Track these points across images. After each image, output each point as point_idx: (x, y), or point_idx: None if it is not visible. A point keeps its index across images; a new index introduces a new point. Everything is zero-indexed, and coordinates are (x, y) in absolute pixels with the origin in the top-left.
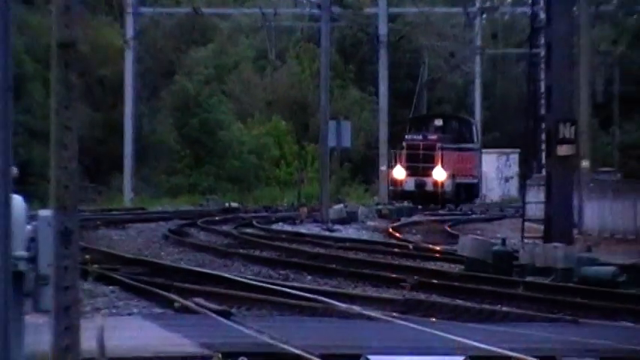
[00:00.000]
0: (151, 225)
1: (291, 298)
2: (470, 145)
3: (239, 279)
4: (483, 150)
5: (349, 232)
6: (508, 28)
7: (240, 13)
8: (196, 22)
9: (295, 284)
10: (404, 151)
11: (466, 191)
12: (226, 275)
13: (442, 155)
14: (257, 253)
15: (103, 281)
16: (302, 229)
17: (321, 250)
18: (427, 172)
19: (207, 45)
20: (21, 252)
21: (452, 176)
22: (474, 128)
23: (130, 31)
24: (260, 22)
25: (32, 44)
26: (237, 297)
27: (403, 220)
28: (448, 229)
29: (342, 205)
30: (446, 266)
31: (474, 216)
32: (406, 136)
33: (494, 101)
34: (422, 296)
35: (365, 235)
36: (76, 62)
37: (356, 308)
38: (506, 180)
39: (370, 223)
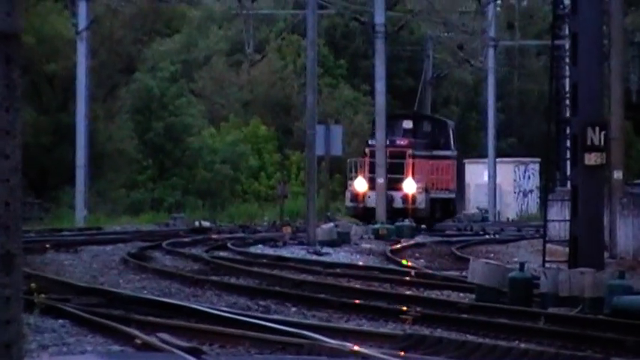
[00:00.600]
0: (108, 248)
1: (272, 334)
2: (446, 153)
3: (211, 311)
4: (498, 159)
5: (340, 255)
6: (526, 16)
7: None
8: (160, 10)
9: (277, 317)
10: (367, 159)
11: (442, 208)
12: (196, 307)
13: (414, 164)
14: (232, 280)
15: (51, 314)
16: (285, 253)
17: (308, 277)
18: (395, 184)
19: (174, 36)
20: None
21: (425, 190)
22: (450, 132)
23: (82, 21)
24: (236, 9)
25: None
26: (209, 332)
27: (404, 241)
28: (456, 252)
29: (332, 224)
30: (454, 296)
31: (486, 237)
32: (369, 141)
33: (510, 101)
34: (426, 331)
35: (359, 260)
36: (20, 57)
37: (349, 345)
38: (525, 194)
39: (365, 245)
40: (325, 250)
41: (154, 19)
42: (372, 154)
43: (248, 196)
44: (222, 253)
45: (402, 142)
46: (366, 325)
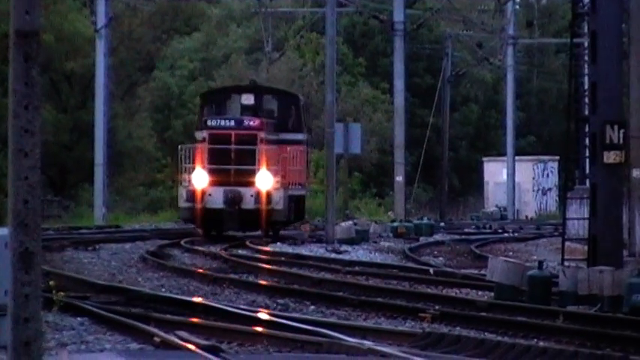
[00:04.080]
0: (127, 246)
1: (291, 332)
2: (297, 136)
3: (230, 309)
4: (517, 157)
5: (359, 254)
6: (545, 14)
7: None
8: (180, 8)
9: (296, 315)
10: (205, 145)
11: (296, 207)
12: (215, 305)
13: (267, 152)
14: (251, 278)
15: (70, 312)
16: (304, 251)
17: (327, 276)
18: (245, 178)
19: (193, 34)
20: None
21: (284, 185)
22: (301, 110)
23: (101, 19)
24: (254, 7)
25: None
26: (227, 330)
27: (422, 239)
28: (475, 250)
29: (350, 223)
30: (472, 294)
31: (505, 235)
32: (208, 121)
33: (529, 100)
34: (444, 329)
35: (378, 258)
36: (38, 54)
37: (367, 343)
38: (544, 192)
39: (384, 243)
40: (344, 248)
41: (174, 17)
42: (214, 139)
43: None
44: (240, 251)
45: (251, 123)
46: (385, 324)
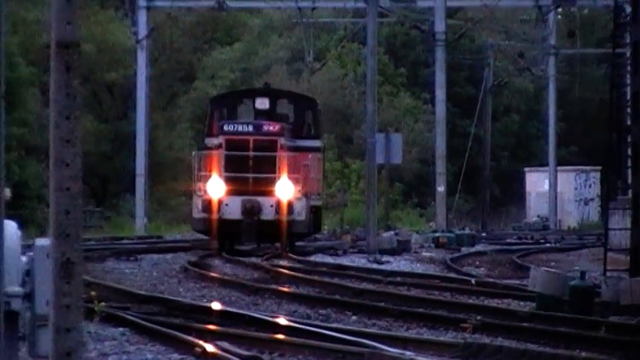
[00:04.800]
0: (168, 256)
1: (332, 342)
2: (313, 143)
3: (271, 319)
4: (558, 168)
5: (400, 264)
6: (587, 24)
7: (273, 7)
8: (220, 19)
9: (337, 326)
10: (221, 152)
11: (314, 218)
12: (256, 315)
13: (289, 159)
14: (292, 289)
15: (111, 322)
16: (345, 261)
17: (368, 286)
18: (264, 187)
19: (234, 45)
20: (15, 288)
21: (305, 194)
22: (319, 115)
23: (142, 29)
24: (295, 17)
25: (28, 44)
26: (268, 341)
27: (464, 250)
28: (517, 260)
29: (392, 233)
30: (514, 304)
31: (547, 245)
32: (224, 126)
33: (570, 110)
34: (486, 339)
35: (419, 268)
36: (79, 65)
37: (409, 354)
38: (586, 203)
39: (425, 253)
40: (385, 258)
41: (214, 28)
42: (230, 144)
43: None
44: (281, 262)
45: (270, 128)
46: (426, 334)
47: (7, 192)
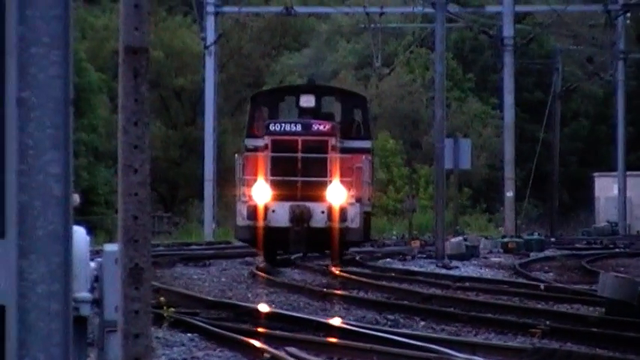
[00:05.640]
0: (237, 261)
1: (401, 348)
2: (365, 144)
3: (339, 325)
4: (628, 172)
5: (469, 269)
6: None
7: (341, 12)
8: (289, 24)
9: (406, 331)
10: (266, 154)
11: (366, 225)
12: (324, 321)
13: (340, 161)
14: (361, 294)
15: (179, 327)
16: (413, 267)
17: (437, 291)
18: (314, 191)
19: (302, 50)
20: (83, 294)
21: (358, 199)
22: (368, 113)
23: (210, 35)
24: (364, 23)
25: (96, 50)
26: (337, 346)
27: (533, 255)
28: (586, 265)
29: (460, 238)
30: (583, 309)
31: (616, 250)
32: (270, 125)
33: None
34: (555, 344)
35: (488, 274)
36: (148, 71)
37: (477, 359)
38: None
39: (494, 258)
40: (454, 263)
41: (283, 33)
42: (276, 145)
43: (376, 210)
44: (350, 267)
45: (321, 127)
46: (495, 339)
47: (76, 198)
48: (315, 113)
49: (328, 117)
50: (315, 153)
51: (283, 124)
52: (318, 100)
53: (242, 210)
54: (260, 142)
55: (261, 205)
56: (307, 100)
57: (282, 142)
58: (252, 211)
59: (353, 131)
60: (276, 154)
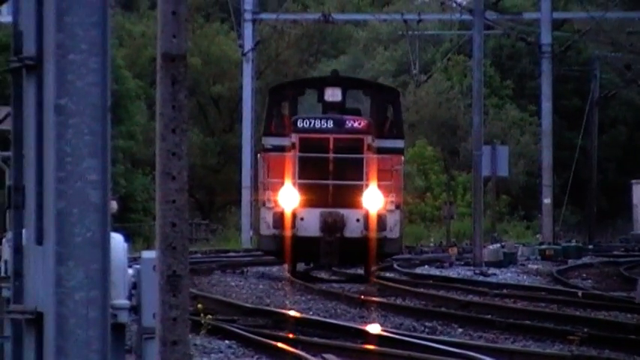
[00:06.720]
0: (274, 269)
1: (439, 355)
2: (398, 144)
3: (377, 332)
4: None
5: (507, 276)
6: None
7: (379, 20)
8: (326, 31)
9: (444, 338)
10: (294, 154)
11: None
12: (362, 328)
13: (377, 162)
14: (398, 301)
15: (217, 334)
16: (451, 273)
17: (474, 298)
18: (348, 197)
19: (340, 57)
20: (121, 301)
21: (397, 206)
22: (401, 109)
23: (248, 42)
24: (401, 30)
25: (134, 57)
26: (375, 353)
27: (571, 262)
28: (624, 272)
29: (498, 245)
30: (621, 317)
31: None
32: (298, 122)
33: None
34: (593, 352)
35: (525, 281)
36: (185, 78)
37: None
38: None
39: (532, 265)
40: (491, 270)
41: (320, 40)
42: (305, 144)
43: (414, 217)
44: (387, 274)
45: (355, 124)
46: (533, 346)
47: (114, 205)
48: (341, 109)
49: (355, 113)
50: (349, 153)
51: (313, 120)
52: (344, 94)
53: (266, 217)
54: (285, 141)
55: (288, 211)
56: (333, 94)
57: (312, 141)
58: (279, 219)
59: (385, 129)
60: (304, 155)
